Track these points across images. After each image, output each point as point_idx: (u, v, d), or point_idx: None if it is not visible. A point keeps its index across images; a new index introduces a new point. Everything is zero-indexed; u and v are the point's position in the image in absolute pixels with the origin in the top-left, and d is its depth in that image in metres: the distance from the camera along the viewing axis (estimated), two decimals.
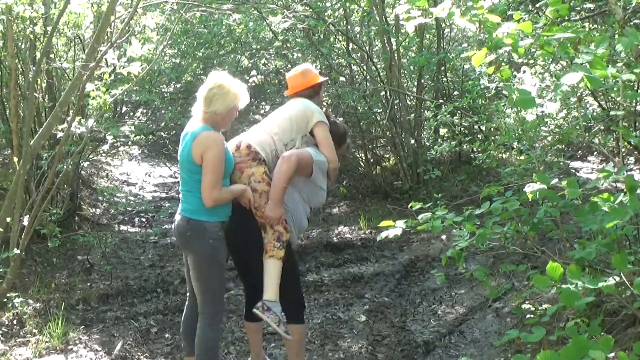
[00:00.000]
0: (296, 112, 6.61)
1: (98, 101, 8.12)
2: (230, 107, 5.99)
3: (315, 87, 6.86)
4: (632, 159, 12.69)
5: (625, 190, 3.93)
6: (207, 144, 5.80)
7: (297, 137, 6.55)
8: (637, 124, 6.22)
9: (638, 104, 6.31)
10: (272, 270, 6.29)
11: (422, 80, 14.84)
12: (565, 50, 4.38)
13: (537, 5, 7.79)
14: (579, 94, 5.03)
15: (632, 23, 9.78)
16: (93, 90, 7.98)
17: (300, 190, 6.52)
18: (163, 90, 18.17)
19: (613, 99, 6.96)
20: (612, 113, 5.70)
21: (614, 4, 4.98)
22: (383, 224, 4.92)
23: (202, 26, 15.56)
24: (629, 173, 4.01)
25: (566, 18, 7.10)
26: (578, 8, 9.59)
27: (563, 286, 3.79)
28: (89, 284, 9.67)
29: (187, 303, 6.48)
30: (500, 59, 4.68)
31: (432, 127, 13.47)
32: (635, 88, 4.20)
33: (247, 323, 6.92)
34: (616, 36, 4.87)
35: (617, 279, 3.95)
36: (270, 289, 6.31)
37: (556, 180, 4.38)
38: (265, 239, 6.29)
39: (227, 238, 6.23)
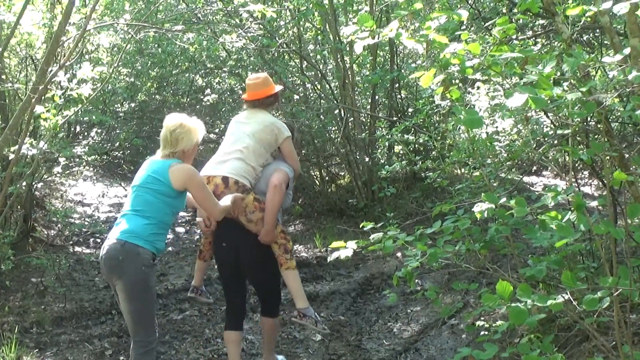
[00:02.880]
0: (263, 133, 6.94)
1: (49, 123, 8.09)
2: (194, 143, 6.23)
3: (276, 95, 7.22)
4: (586, 173, 12.81)
5: (572, 208, 3.96)
6: (188, 173, 6.05)
7: (269, 154, 7.05)
8: (589, 140, 6.28)
9: (591, 120, 6.39)
10: (293, 281, 7.06)
11: (377, 98, 14.91)
12: (513, 70, 4.42)
13: (485, 25, 7.87)
14: (527, 114, 5.06)
15: (584, 38, 9.88)
16: (43, 112, 7.95)
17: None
18: (117, 109, 18.09)
19: (563, 116, 7.03)
20: (559, 132, 5.76)
21: (560, 23, 5.02)
22: (334, 245, 4.92)
23: (156, 45, 15.53)
24: (576, 191, 4.04)
25: (514, 37, 7.16)
26: (531, 25, 9.69)
27: (512, 305, 3.81)
28: (42, 306, 9.57)
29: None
30: (449, 79, 4.71)
31: (386, 145, 13.50)
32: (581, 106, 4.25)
33: (228, 333, 7.18)
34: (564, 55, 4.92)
35: (566, 296, 3.98)
36: (300, 298, 7.08)
37: (504, 199, 4.39)
38: (275, 254, 7.00)
39: (219, 253, 7.06)
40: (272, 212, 6.76)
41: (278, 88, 7.33)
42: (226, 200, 6.40)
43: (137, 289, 5.93)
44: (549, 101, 3.82)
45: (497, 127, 9.86)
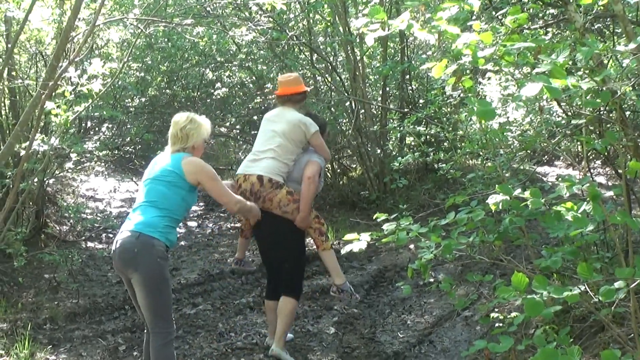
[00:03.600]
0: (292, 131, 7.51)
1: (59, 119, 8.09)
2: (204, 138, 6.39)
3: (304, 93, 7.86)
4: (599, 162, 12.76)
5: (588, 198, 3.92)
6: (199, 165, 6.22)
7: (299, 149, 7.61)
8: (602, 130, 6.23)
9: (605, 109, 6.34)
10: (330, 260, 7.76)
11: (387, 89, 14.87)
12: (525, 60, 4.37)
13: (497, 14, 7.81)
14: (541, 103, 5.03)
15: (595, 27, 9.81)
16: (53, 108, 7.95)
17: None
18: (128, 104, 18.05)
19: (576, 106, 6.98)
20: (573, 122, 5.71)
21: (573, 12, 4.98)
22: (347, 237, 4.89)
23: (166, 40, 15.50)
24: (591, 181, 4.00)
25: (526, 26, 7.11)
26: (541, 14, 9.62)
27: (528, 296, 3.78)
28: (56, 302, 9.58)
29: (145, 330, 6.39)
30: (461, 70, 4.67)
31: (398, 137, 13.46)
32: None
33: (268, 302, 8.03)
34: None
35: (582, 287, 3.95)
36: (336, 275, 7.78)
37: (518, 190, 4.35)
38: (312, 239, 7.81)
39: (258, 237, 7.85)
40: (307, 201, 7.42)
41: (306, 88, 7.97)
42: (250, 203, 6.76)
43: (154, 281, 5.93)
44: (562, 90, 3.79)
45: (508, 117, 9.81)
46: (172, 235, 6.13)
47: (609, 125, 6.69)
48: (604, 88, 4.14)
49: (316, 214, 7.72)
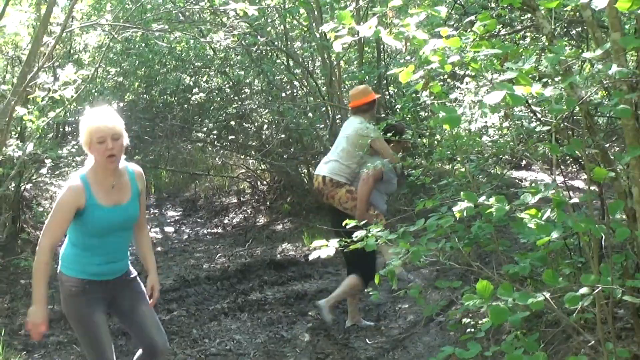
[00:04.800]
0: (355, 137, 8.43)
1: (33, 125, 8.07)
2: (84, 143, 5.36)
3: (371, 102, 8.69)
4: (577, 167, 12.78)
5: (552, 206, 3.93)
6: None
7: (362, 153, 8.35)
8: (569, 136, 6.25)
9: (577, 115, 6.35)
10: (387, 252, 7.81)
11: None
12: (493, 67, 4.38)
13: (464, 22, 7.82)
14: (506, 110, 5.03)
15: (573, 32, 9.83)
16: (25, 114, 7.92)
17: (378, 187, 8.52)
18: None
19: (542, 112, 7.03)
20: (538, 128, 5.72)
21: (541, 18, 4.99)
22: (315, 243, 4.88)
23: (143, 45, 15.47)
24: (557, 187, 4.01)
25: (495, 33, 7.12)
26: (520, 19, 9.66)
27: (493, 304, 3.78)
28: None
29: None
30: (430, 75, 4.67)
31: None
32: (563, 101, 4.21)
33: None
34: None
35: (548, 294, 3.95)
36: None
37: (483, 197, 4.35)
38: None
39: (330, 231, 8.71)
40: (361, 200, 8.26)
41: (375, 96, 8.83)
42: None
43: (70, 321, 5.63)
44: (531, 97, 3.80)
45: (486, 122, 9.82)
46: (89, 267, 5.40)
47: (578, 132, 6.71)
48: (567, 94, 4.15)
49: (377, 212, 8.47)
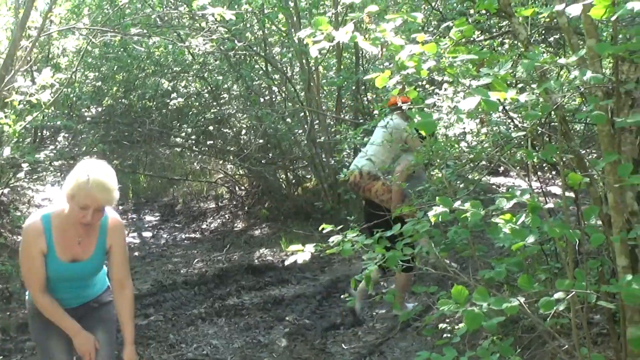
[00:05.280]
0: (388, 134, 8.61)
1: (8, 129, 8.05)
2: (66, 195, 4.86)
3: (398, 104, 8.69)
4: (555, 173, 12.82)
5: (527, 210, 3.94)
6: None
7: (396, 148, 8.70)
8: (549, 141, 6.27)
9: (553, 121, 6.36)
10: (423, 240, 7.78)
11: (343, 100, 14.89)
12: (469, 72, 4.40)
13: (444, 25, 7.86)
14: (482, 116, 5.06)
15: (551, 39, 9.88)
16: (2, 118, 7.90)
17: (410, 182, 8.32)
18: (85, 114, 17.90)
19: (518, 119, 7.05)
20: (514, 134, 5.74)
21: (517, 24, 5.01)
22: (291, 248, 4.87)
23: (122, 49, 15.44)
24: (532, 193, 4.02)
25: (472, 39, 7.14)
26: (498, 25, 9.70)
27: (468, 309, 3.79)
28: (8, 313, 9.51)
29: None
30: (406, 81, 4.68)
31: (345, 148, 13.43)
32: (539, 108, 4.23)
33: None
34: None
35: (523, 299, 3.97)
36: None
37: (458, 203, 4.36)
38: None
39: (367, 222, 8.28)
40: (395, 192, 8.50)
41: (409, 99, 8.77)
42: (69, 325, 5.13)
43: (31, 337, 5.61)
44: (508, 104, 3.82)
45: (464, 128, 9.88)
46: (53, 293, 5.06)
47: (554, 137, 6.74)
48: (542, 100, 4.17)
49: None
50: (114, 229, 5.14)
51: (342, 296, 8.39)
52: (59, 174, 18.48)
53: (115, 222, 5.17)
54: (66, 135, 19.30)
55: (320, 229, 5.42)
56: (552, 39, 10.16)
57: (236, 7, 12.35)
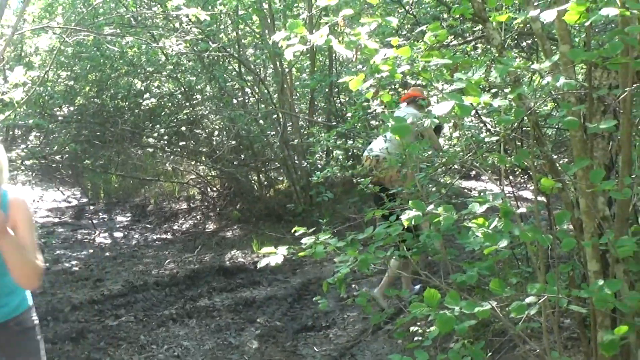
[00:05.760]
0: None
1: None
2: None
3: (415, 97, 9.30)
4: (526, 177, 12.89)
5: (500, 215, 3.96)
6: None
7: (411, 138, 8.70)
8: (522, 145, 6.31)
9: (526, 126, 6.41)
10: (426, 227, 8.09)
11: (316, 103, 14.90)
12: (443, 77, 4.41)
13: (414, 32, 7.90)
14: (455, 121, 5.07)
15: (524, 44, 9.94)
16: None
17: None
18: (57, 113, 17.80)
19: (491, 123, 7.09)
20: (487, 139, 5.77)
21: (492, 29, 5.03)
22: (263, 250, 4.86)
23: (95, 49, 15.37)
24: (504, 197, 4.04)
25: (446, 43, 7.17)
26: (472, 30, 9.75)
27: (440, 312, 3.80)
28: None
29: None
30: (380, 84, 4.69)
31: (319, 150, 13.44)
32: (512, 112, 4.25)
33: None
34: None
35: (495, 303, 3.98)
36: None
37: (432, 206, 4.37)
38: None
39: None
40: (410, 179, 7.97)
41: (421, 94, 9.34)
42: None
43: None
44: (482, 108, 3.83)
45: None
46: None
47: (526, 142, 6.78)
48: (515, 105, 4.19)
49: None
50: (17, 206, 4.60)
51: (313, 298, 8.39)
52: (30, 173, 18.40)
53: (17, 198, 4.62)
54: (38, 134, 19.21)
55: (292, 231, 5.41)
56: (524, 44, 10.24)
57: (210, 8, 12.34)
